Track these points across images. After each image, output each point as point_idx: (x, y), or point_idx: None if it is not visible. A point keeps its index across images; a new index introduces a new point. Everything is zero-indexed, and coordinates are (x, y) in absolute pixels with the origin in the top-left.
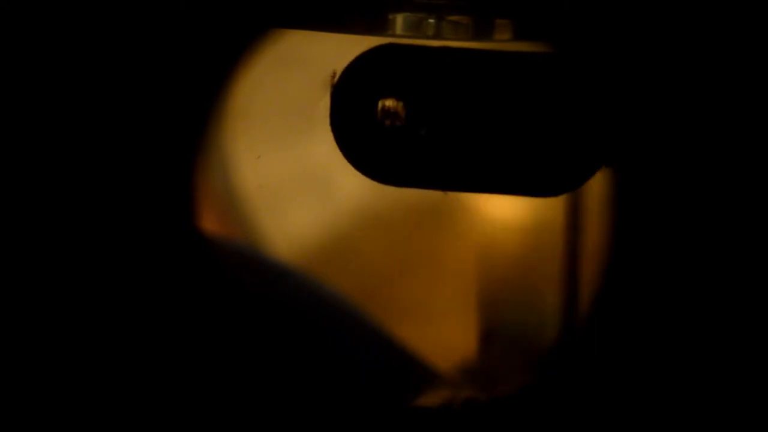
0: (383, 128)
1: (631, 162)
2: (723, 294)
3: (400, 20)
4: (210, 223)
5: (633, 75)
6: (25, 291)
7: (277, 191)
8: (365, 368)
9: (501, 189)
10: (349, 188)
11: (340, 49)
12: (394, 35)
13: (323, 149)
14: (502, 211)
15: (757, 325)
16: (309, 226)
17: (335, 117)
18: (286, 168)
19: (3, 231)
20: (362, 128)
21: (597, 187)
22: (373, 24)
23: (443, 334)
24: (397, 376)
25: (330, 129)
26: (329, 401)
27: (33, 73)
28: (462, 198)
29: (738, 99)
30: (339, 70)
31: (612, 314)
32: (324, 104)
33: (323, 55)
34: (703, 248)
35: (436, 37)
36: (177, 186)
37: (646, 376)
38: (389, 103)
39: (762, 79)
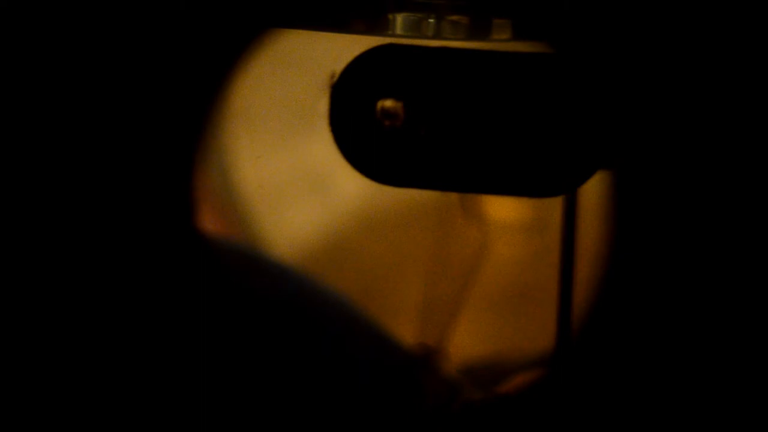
0: (382, 128)
1: (631, 162)
2: (723, 294)
3: (399, 20)
4: (210, 223)
5: (632, 75)
6: (25, 291)
7: (276, 191)
8: (365, 368)
9: (500, 189)
10: (349, 188)
11: (340, 49)
12: (393, 35)
13: (323, 149)
14: (501, 211)
15: (756, 325)
16: (309, 226)
17: (334, 117)
18: (286, 168)
19: (3, 231)
20: (361, 128)
21: (596, 187)
22: (373, 24)
23: (443, 334)
24: (397, 376)
25: (329, 129)
26: (329, 401)
27: (33, 73)
28: (462, 198)
29: (738, 99)
30: (339, 70)
31: (611, 314)
32: (324, 104)
33: (323, 55)
34: (703, 248)
35: (435, 37)
36: (177, 186)
37: (645, 376)
38: (388, 103)
39: (762, 79)
